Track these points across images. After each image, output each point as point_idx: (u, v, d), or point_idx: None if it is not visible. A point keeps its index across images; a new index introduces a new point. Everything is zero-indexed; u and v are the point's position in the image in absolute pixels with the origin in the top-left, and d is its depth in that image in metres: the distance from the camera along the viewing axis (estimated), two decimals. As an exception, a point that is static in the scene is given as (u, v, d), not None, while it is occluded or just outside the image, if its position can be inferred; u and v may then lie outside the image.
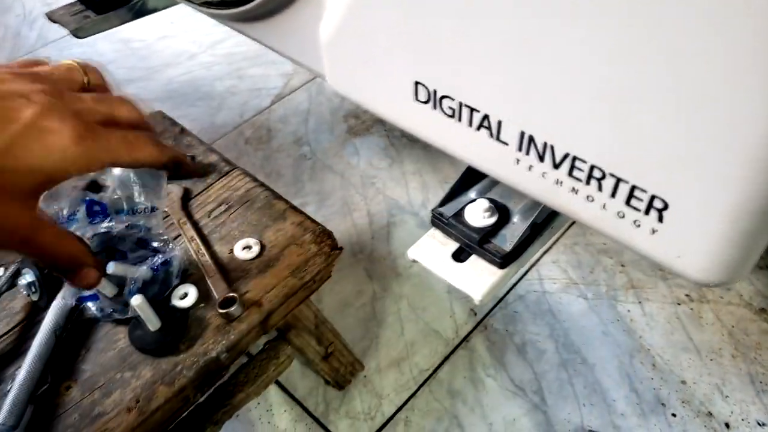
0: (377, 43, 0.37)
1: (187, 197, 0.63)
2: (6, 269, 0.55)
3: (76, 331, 0.53)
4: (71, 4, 0.83)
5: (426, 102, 0.37)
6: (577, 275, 0.97)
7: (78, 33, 0.78)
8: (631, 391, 0.83)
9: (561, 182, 0.33)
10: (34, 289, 0.52)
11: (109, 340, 0.52)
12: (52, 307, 0.52)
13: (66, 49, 1.67)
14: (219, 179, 0.65)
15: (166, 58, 1.61)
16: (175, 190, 0.64)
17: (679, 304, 0.92)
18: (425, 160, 1.19)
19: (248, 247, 0.57)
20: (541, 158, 0.33)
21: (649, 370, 0.84)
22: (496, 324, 0.92)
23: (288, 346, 0.69)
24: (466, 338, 0.90)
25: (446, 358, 0.88)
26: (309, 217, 0.60)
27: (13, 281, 0.53)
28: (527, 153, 0.34)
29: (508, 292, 0.96)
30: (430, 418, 0.82)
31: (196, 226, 0.60)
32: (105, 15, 0.78)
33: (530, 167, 0.34)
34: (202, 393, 0.52)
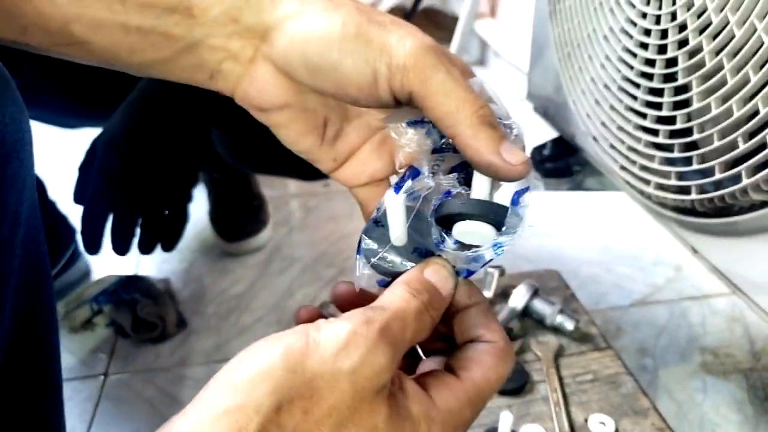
0: None
1: (560, 352, 0.70)
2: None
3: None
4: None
5: None
6: None
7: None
8: None
9: None
10: None
11: None
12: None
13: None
14: (593, 351, 0.70)
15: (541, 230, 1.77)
16: (552, 341, 0.71)
17: None
18: (788, 438, 1.03)
19: (603, 423, 0.60)
20: None
21: None
22: None
23: None
24: None
25: None
26: (670, 428, 0.60)
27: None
28: None
29: None
30: None
31: (560, 381, 0.66)
32: (547, 179, 0.94)
33: None
34: None
